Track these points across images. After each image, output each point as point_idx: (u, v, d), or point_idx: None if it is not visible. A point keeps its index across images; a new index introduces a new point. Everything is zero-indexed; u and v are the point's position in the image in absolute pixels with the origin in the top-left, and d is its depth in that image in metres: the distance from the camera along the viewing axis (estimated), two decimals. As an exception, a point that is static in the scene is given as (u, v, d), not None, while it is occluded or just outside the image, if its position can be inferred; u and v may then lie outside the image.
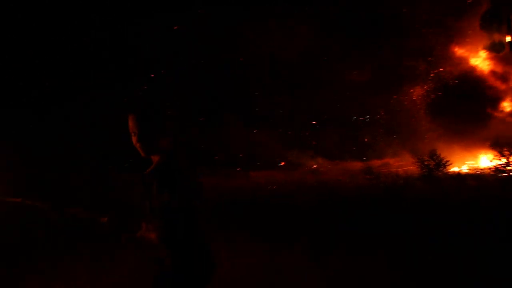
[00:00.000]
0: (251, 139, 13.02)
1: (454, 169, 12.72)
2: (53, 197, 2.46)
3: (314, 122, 14.83)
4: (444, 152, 12.03)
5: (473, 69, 16.10)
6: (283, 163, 13.26)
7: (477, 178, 11.20)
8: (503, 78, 15.76)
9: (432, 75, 16.05)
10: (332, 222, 6.30)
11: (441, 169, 11.67)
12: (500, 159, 11.48)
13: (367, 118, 16.27)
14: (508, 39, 14.82)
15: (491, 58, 15.74)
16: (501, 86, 15.85)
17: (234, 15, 11.98)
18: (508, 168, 11.26)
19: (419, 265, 4.35)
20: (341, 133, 14.84)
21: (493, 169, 11.52)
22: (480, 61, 15.94)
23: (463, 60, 16.16)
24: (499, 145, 11.93)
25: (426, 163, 11.71)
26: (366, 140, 15.43)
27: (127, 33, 10.58)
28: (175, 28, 11.15)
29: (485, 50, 15.64)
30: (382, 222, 6.17)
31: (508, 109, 15.69)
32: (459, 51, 16.11)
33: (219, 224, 5.95)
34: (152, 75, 10.62)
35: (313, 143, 14.54)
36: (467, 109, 14.96)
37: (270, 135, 13.23)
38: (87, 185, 7.61)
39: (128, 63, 10.58)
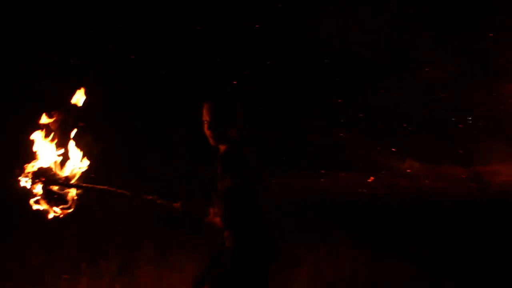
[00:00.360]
0: (337, 139, 12.72)
1: None
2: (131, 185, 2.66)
3: (404, 125, 13.84)
4: None
5: None
6: (371, 166, 12.68)
7: None
8: None
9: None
10: (433, 233, 5.73)
11: None
12: None
13: (468, 119, 14.81)
14: None
15: None
16: None
17: (308, 9, 11.77)
18: None
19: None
20: (436, 134, 13.79)
21: None
22: None
23: None
24: None
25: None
26: (467, 143, 13.99)
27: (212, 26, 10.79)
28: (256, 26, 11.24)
29: None
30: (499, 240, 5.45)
31: None
32: None
33: (319, 225, 5.94)
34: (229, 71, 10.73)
35: (405, 145, 13.63)
36: None
37: (357, 136, 12.80)
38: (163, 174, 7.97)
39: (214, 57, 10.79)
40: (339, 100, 12.65)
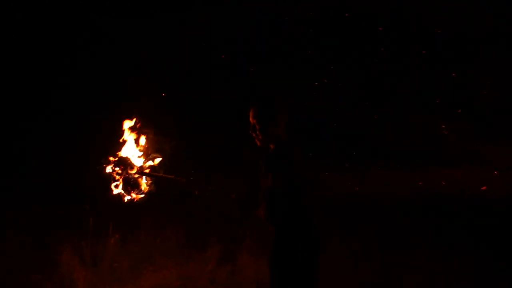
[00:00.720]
0: (436, 132, 11.45)
1: None
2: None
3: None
4: None
5: None
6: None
7: None
8: None
9: None
10: None
11: None
12: None
13: None
14: None
15: None
16: None
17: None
18: None
19: None
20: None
21: None
22: None
23: None
24: None
25: None
26: None
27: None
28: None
29: None
30: None
31: None
32: None
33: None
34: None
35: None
36: None
37: (457, 126, 11.41)
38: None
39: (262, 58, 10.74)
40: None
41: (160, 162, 3.05)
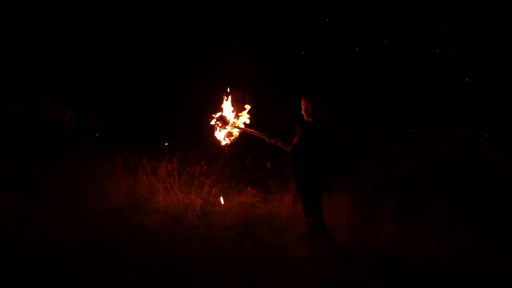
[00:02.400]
0: None
1: None
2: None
3: None
4: None
5: None
6: None
7: None
8: None
9: None
10: None
11: None
12: None
13: None
14: None
15: None
16: None
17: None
18: None
19: None
20: None
21: None
22: None
23: None
24: None
25: None
26: None
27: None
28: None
29: None
30: None
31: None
32: None
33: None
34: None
35: None
36: None
37: None
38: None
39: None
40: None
41: (245, 121, 4.69)
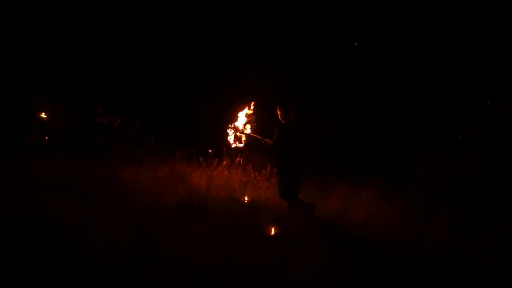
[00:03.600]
0: None
1: None
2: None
3: None
4: None
5: None
6: None
7: None
8: None
9: None
10: None
11: None
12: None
13: None
14: None
15: None
16: None
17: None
18: None
19: None
20: None
21: None
22: None
23: None
24: None
25: None
26: None
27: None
28: None
29: None
30: None
31: None
32: None
33: None
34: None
35: None
36: None
37: None
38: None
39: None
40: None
41: (251, 128, 5.96)
